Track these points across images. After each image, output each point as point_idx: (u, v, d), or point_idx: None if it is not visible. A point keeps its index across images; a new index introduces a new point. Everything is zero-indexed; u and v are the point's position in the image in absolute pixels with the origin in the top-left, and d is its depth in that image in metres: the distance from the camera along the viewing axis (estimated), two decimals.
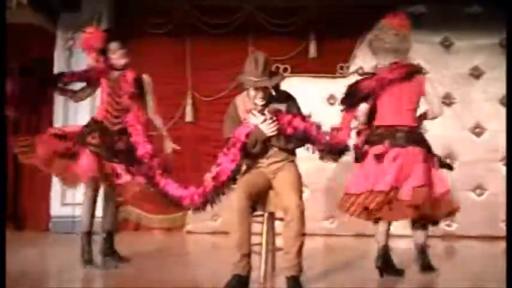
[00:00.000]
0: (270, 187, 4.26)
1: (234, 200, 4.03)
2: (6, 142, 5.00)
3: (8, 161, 7.23)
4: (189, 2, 7.20)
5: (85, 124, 5.03)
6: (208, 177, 4.17)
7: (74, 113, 7.10)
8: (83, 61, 6.95)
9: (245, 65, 4.21)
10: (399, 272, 4.72)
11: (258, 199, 4.20)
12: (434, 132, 7.09)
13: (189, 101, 7.36)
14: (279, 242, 4.40)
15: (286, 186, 4.11)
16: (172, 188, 4.41)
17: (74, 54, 7.16)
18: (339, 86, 7.14)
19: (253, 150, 4.16)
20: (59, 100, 7.04)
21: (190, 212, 7.08)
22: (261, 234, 4.37)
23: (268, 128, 4.11)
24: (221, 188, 4.15)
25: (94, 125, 4.97)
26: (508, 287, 3.44)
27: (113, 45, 5.04)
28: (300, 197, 4.09)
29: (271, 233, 4.46)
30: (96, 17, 7.13)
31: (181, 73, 7.38)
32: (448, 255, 6.24)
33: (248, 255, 4.04)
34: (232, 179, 4.15)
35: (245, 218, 4.02)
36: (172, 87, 7.36)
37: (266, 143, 4.17)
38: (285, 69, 7.14)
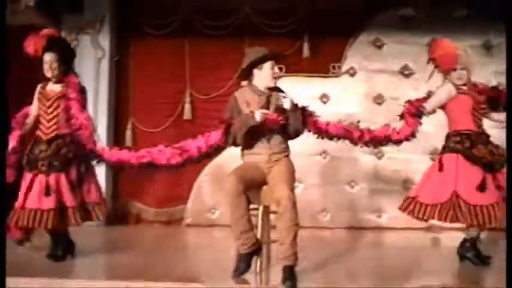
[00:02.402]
0: (264, 181, 4.27)
1: (227, 184, 4.07)
2: (7, 142, 4.89)
3: None
4: (188, 5, 7.16)
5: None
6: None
7: None
8: (86, 61, 7.00)
9: (249, 54, 4.40)
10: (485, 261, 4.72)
11: (252, 188, 4.20)
12: (425, 128, 7.12)
13: (188, 99, 7.35)
14: (273, 234, 4.38)
15: (279, 180, 4.13)
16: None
17: (76, 54, 7.09)
18: (331, 85, 7.25)
19: (238, 139, 4.25)
20: None
21: (189, 206, 7.15)
22: (256, 227, 4.34)
23: (261, 116, 4.16)
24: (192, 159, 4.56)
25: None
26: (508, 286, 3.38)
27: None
28: (292, 190, 4.09)
29: (266, 225, 4.45)
30: (99, 19, 7.10)
31: (181, 73, 7.38)
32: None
33: (246, 232, 4.08)
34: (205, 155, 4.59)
35: (239, 199, 4.05)
36: (172, 86, 7.39)
37: (252, 134, 4.22)
38: (280, 69, 7.10)
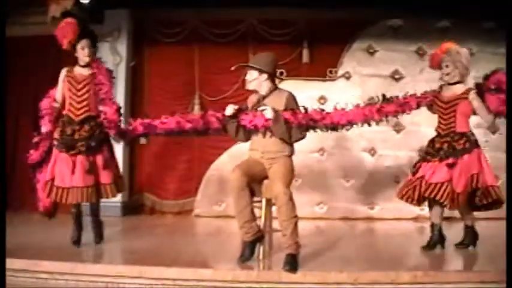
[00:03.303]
0: (266, 176, 4.33)
1: (233, 177, 4.15)
2: (5, 139, 4.91)
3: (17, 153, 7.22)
4: (197, 15, 7.22)
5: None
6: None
7: None
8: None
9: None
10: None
11: (254, 182, 4.27)
12: (412, 128, 7.25)
13: (197, 101, 7.37)
14: (275, 224, 4.45)
15: (276, 177, 4.19)
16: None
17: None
18: (328, 88, 7.31)
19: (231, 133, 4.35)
20: None
21: (198, 198, 7.22)
22: (259, 217, 4.41)
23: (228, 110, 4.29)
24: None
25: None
26: (508, 285, 3.42)
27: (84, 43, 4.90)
28: (287, 186, 4.15)
29: (269, 216, 4.50)
30: (117, 29, 7.16)
31: (191, 76, 7.40)
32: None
33: (249, 222, 4.16)
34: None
35: (243, 192, 4.13)
36: (182, 89, 7.40)
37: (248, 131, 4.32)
38: (281, 73, 7.15)
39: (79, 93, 4.85)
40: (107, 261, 4.42)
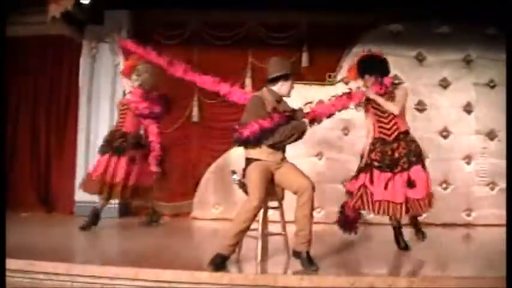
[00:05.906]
0: (272, 179, 4.31)
1: (254, 198, 4.08)
2: (6, 139, 4.88)
3: (40, 152, 7.29)
4: (197, 17, 7.21)
5: None
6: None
7: (95, 113, 7.16)
8: (105, 67, 7.10)
9: (275, 64, 4.46)
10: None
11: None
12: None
13: (196, 102, 7.37)
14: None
15: (295, 173, 4.23)
16: None
17: (96, 60, 7.18)
18: (327, 92, 7.30)
19: (289, 141, 4.25)
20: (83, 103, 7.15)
21: (195, 201, 7.19)
22: (257, 221, 4.37)
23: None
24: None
25: None
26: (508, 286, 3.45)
27: None
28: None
29: (266, 220, 4.49)
30: (117, 30, 7.15)
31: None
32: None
33: (239, 243, 4.19)
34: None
35: (255, 216, 4.10)
36: (181, 91, 7.36)
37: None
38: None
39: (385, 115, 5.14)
40: (103, 263, 4.39)
